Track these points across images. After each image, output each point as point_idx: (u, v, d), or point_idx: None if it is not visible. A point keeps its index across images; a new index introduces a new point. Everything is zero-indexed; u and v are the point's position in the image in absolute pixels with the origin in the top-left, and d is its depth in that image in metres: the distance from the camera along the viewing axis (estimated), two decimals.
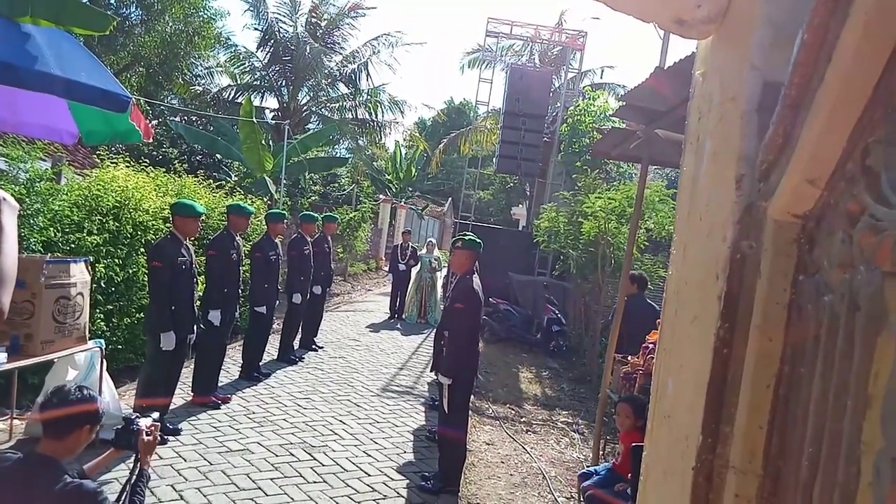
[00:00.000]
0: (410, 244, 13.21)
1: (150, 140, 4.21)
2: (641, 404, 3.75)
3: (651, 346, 4.79)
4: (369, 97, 19.31)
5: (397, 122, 20.66)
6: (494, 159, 17.96)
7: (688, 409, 1.16)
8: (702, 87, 1.35)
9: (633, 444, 3.49)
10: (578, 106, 14.74)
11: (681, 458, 1.17)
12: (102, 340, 4.80)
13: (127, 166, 7.19)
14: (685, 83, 3.49)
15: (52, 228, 5.33)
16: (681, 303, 1.33)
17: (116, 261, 5.95)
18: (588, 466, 5.03)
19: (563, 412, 7.37)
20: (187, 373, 5.75)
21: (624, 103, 4.73)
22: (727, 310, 1.07)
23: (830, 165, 0.85)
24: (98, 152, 9.96)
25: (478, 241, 5.10)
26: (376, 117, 19.72)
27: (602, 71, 22.60)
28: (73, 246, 5.50)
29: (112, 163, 7.14)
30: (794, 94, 0.85)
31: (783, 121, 0.89)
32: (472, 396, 5.48)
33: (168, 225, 5.61)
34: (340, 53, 19.17)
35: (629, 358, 5.40)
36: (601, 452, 5.44)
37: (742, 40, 1.14)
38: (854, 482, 0.68)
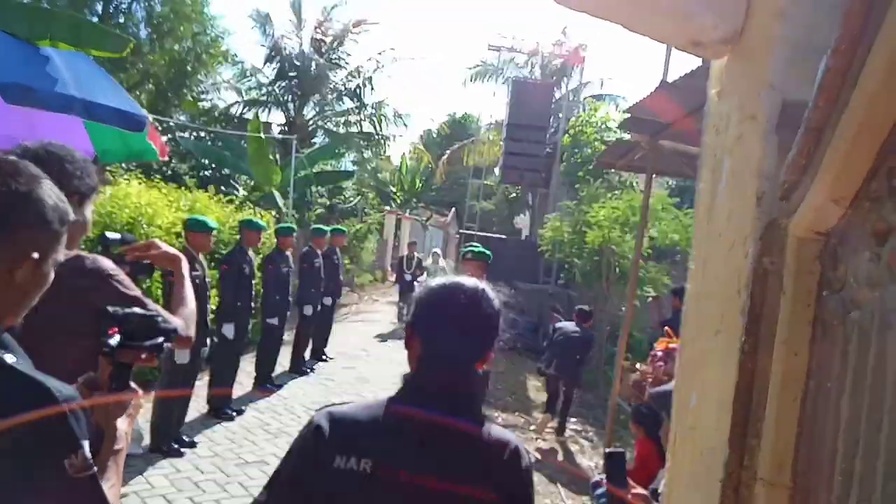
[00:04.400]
0: (416, 255, 13.25)
1: (166, 158, 4.26)
2: (656, 413, 3.75)
3: (660, 353, 4.78)
4: (374, 111, 19.41)
5: (401, 136, 20.75)
6: (497, 170, 18.03)
7: (713, 421, 1.18)
8: (717, 105, 1.38)
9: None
10: (580, 117, 14.80)
11: (706, 471, 1.18)
12: None
13: (139, 182, 7.25)
14: (690, 97, 3.53)
15: None
16: (701, 317, 1.35)
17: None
18: (599, 474, 5.01)
19: (572, 419, 7.35)
20: (201, 386, 5.77)
21: (628, 116, 4.78)
22: (751, 325, 1.08)
23: (855, 185, 0.88)
24: (109, 169, 10.05)
25: (487, 252, 5.14)
26: (381, 130, 19.82)
27: (602, 82, 22.67)
28: None
29: (125, 179, 7.21)
30: (818, 117, 0.88)
31: (807, 142, 0.92)
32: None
33: (181, 240, 5.66)
34: (345, 68, 19.27)
35: (638, 366, 5.40)
36: None
37: (759, 60, 1.17)
38: (892, 499, 0.70)
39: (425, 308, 1.33)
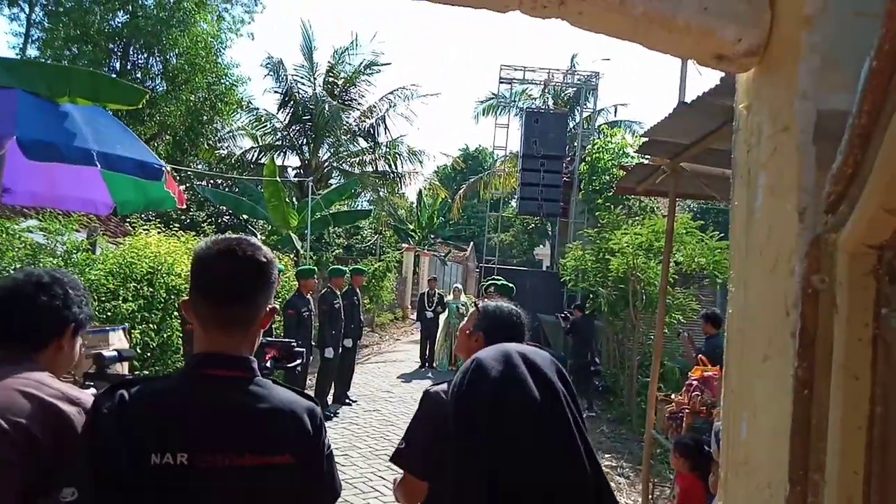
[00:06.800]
0: (437, 291, 13.17)
1: (184, 206, 4.30)
2: (699, 444, 3.61)
3: (695, 382, 4.64)
4: (388, 150, 19.64)
5: (416, 172, 20.88)
6: (514, 202, 18.07)
7: (768, 455, 1.10)
8: (748, 120, 1.33)
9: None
10: (596, 144, 14.81)
11: None
12: None
13: (158, 232, 7.34)
14: (710, 116, 3.48)
15: None
16: (747, 342, 1.28)
17: (151, 326, 6.01)
18: None
19: (606, 455, 7.13)
20: None
21: (646, 139, 4.73)
22: (804, 348, 1.01)
23: None
24: (129, 220, 10.21)
25: (509, 285, 5.08)
26: (396, 168, 20.00)
27: (616, 109, 22.77)
28: (108, 314, 5.58)
29: (144, 230, 7.30)
30: (865, 123, 0.82)
31: (853, 150, 0.86)
32: None
33: None
34: (358, 109, 19.59)
35: (672, 396, 5.24)
36: (650, 496, 5.23)
37: (789, 70, 1.12)
38: None
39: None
